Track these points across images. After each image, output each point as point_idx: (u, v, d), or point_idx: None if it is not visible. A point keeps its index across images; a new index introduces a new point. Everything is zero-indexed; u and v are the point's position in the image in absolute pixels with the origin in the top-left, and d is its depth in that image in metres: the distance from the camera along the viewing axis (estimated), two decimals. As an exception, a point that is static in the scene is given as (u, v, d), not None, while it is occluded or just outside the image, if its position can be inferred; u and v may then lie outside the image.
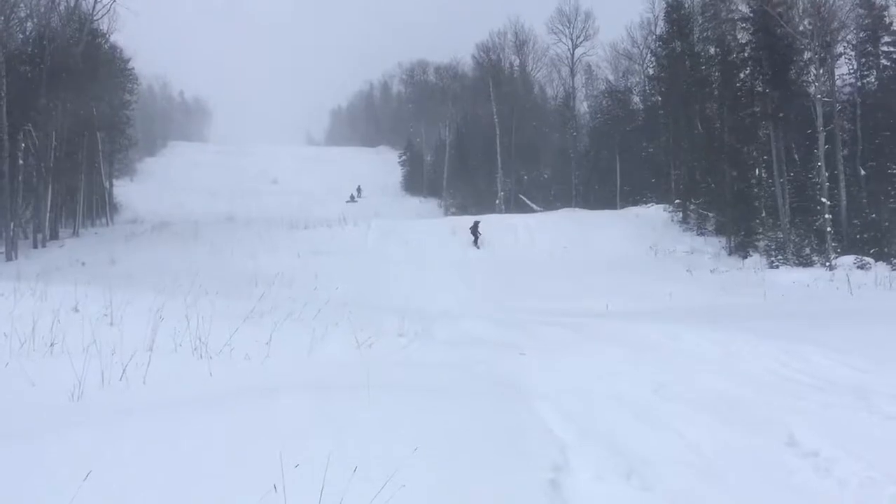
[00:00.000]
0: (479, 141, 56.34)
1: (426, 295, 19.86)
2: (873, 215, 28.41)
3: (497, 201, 48.51)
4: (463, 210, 50.02)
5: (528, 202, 49.91)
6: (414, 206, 56.60)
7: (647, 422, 6.06)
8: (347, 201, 55.23)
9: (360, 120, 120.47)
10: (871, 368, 7.98)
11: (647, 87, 46.96)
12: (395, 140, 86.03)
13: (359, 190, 59.22)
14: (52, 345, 6.99)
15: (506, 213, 43.89)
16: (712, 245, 30.77)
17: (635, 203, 40.59)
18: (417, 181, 65.87)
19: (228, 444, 4.35)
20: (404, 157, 70.63)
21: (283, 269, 21.58)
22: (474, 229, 30.74)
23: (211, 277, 19.66)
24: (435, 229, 33.44)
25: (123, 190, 50.50)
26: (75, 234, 35.72)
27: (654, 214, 35.62)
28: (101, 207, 42.71)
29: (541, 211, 43.45)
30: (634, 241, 30.62)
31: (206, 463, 3.99)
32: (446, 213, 50.91)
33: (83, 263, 25.85)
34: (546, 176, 56.03)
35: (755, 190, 32.34)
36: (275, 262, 23.68)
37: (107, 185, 44.31)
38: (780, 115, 29.38)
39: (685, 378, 7.89)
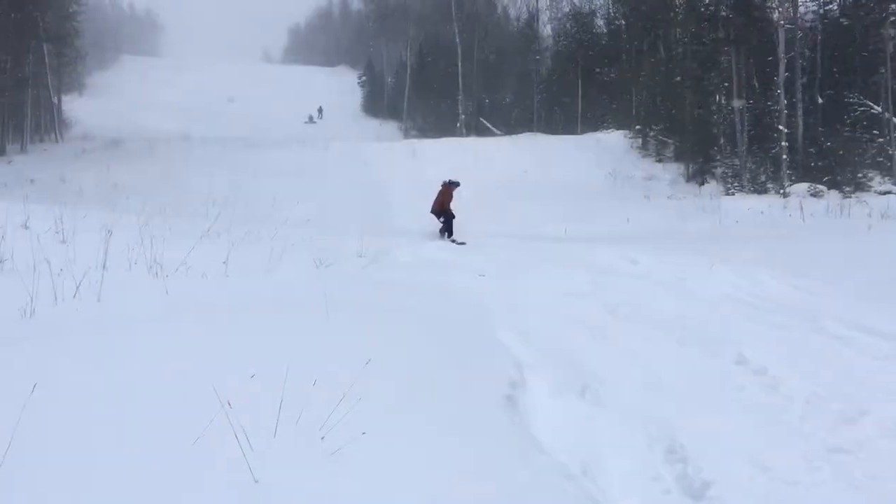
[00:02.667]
0: (440, 63, 55.30)
1: (386, 217, 19.79)
2: (828, 144, 28.75)
3: (458, 124, 48.01)
4: (423, 133, 49.47)
5: (489, 126, 49.51)
6: (374, 128, 55.76)
7: (602, 341, 6.18)
8: (306, 122, 54.18)
9: (319, 39, 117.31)
10: (819, 291, 8.21)
11: (611, 11, 46.31)
12: (355, 60, 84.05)
13: (320, 111, 58.07)
14: (0, 262, 6.82)
15: (467, 136, 43.55)
16: (670, 172, 30.97)
17: (596, 129, 40.49)
18: (377, 103, 64.68)
19: (183, 360, 4.31)
20: (364, 79, 69.14)
21: (241, 190, 21.26)
22: (445, 212, 15.28)
23: (165, 196, 19.30)
24: (395, 152, 33.09)
25: (73, 105, 48.70)
26: (23, 150, 34.52)
27: (615, 140, 35.64)
28: (49, 123, 41.28)
29: (502, 135, 43.17)
30: (594, 167, 30.68)
31: (158, 377, 3.95)
32: (406, 136, 50.29)
33: (32, 181, 25.12)
34: (508, 100, 55.44)
35: (714, 117, 32.40)
36: (231, 183, 23.28)
37: (55, 100, 42.71)
38: (743, 41, 29.28)
39: (641, 300, 8.03)
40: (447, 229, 15.09)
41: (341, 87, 74.55)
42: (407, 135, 51.38)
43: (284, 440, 3.37)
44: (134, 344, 4.55)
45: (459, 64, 46.93)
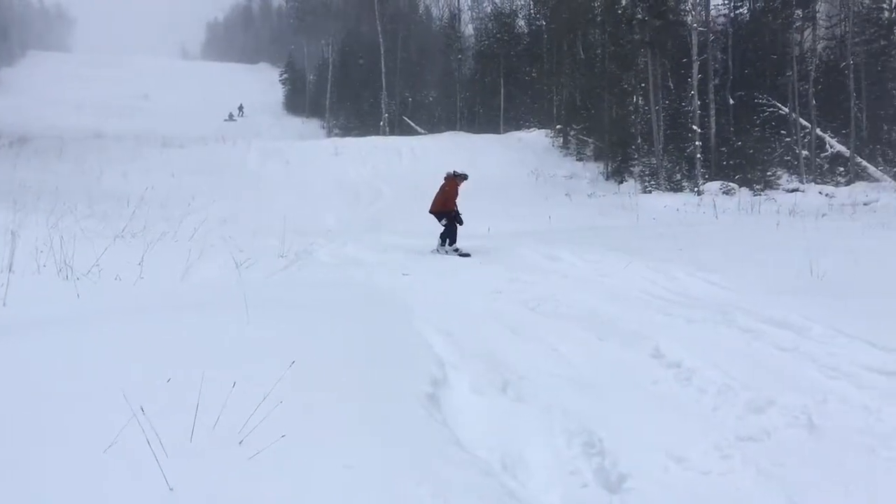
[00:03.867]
0: (363, 61, 55.02)
1: (308, 217, 19.57)
2: (739, 143, 29.81)
3: (381, 123, 47.84)
4: (347, 132, 49.11)
5: (413, 125, 49.55)
6: (296, 126, 55.08)
7: (523, 337, 6.26)
8: (226, 120, 53.10)
9: (239, 34, 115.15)
10: (730, 286, 8.50)
11: (532, 11, 46.92)
12: (276, 57, 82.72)
13: (241, 108, 56.99)
14: None
15: (390, 135, 43.45)
16: (591, 170, 31.60)
17: (518, 127, 41.01)
18: (300, 101, 63.88)
19: (94, 364, 4.17)
20: (285, 76, 68.15)
21: (157, 189, 20.69)
22: (448, 213, 12.85)
23: (77, 196, 18.63)
24: (318, 150, 32.76)
25: (-25, 103, 46.63)
26: (-77, 148, 32.83)
27: (536, 139, 36.17)
28: (-49, 120, 39.35)
29: (425, 134, 43.26)
30: (517, 166, 31.04)
31: (68, 383, 3.81)
32: (329, 135, 49.85)
33: (-69, 181, 23.89)
34: (431, 98, 55.59)
35: (632, 117, 33.22)
36: (147, 182, 22.60)
37: (-43, 96, 40.81)
38: (659, 43, 30.08)
39: (561, 296, 8.16)
40: (449, 235, 12.65)
41: (262, 84, 73.33)
42: (330, 133, 50.94)
43: (200, 445, 3.30)
44: (42, 349, 4.38)
45: (382, 62, 46.77)
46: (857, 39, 36.36)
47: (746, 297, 7.73)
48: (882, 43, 38.35)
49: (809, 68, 33.82)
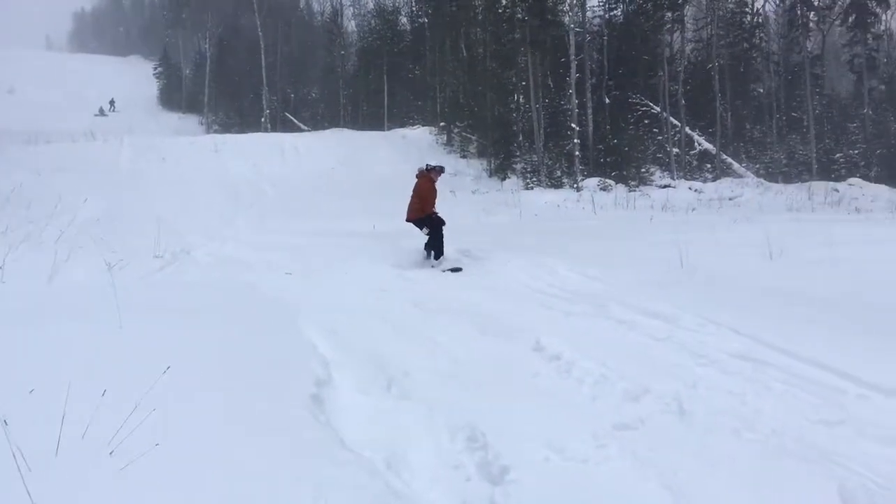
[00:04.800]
0: (242, 55, 53.62)
1: (187, 216, 18.92)
2: (615, 141, 30.92)
3: (263, 119, 46.78)
4: (226, 128, 47.76)
5: (295, 121, 48.74)
6: (172, 122, 53.05)
7: (408, 335, 6.27)
8: (96, 115, 50.55)
9: (108, 26, 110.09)
10: (608, 279, 8.78)
11: (414, 9, 47.06)
12: (150, 50, 79.52)
13: (112, 103, 54.43)
14: None
15: (272, 131, 42.58)
16: (474, 167, 31.99)
17: (402, 124, 41.06)
18: (176, 96, 61.56)
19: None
20: (160, 70, 65.56)
21: (21, 188, 19.47)
22: (429, 217, 10.86)
23: (-70, 197, 17.31)
24: (196, 147, 31.70)
25: None
26: None
27: (420, 136, 36.29)
28: None
29: (308, 130, 42.66)
30: (401, 163, 31.02)
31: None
32: (208, 131, 48.31)
33: None
34: (314, 95, 54.87)
35: (514, 115, 33.87)
36: (9, 180, 21.26)
37: None
38: (538, 43, 30.77)
39: (445, 292, 8.22)
40: (434, 246, 10.53)
41: (135, 78, 70.23)
42: (209, 129, 49.34)
43: (68, 458, 3.13)
44: None
45: (263, 57, 45.70)
46: (721, 42, 38.40)
47: (622, 290, 8.02)
48: (744, 46, 40.67)
49: (679, 69, 35.44)
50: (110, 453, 3.19)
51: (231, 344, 5.37)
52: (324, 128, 42.14)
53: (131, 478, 3.01)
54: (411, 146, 34.02)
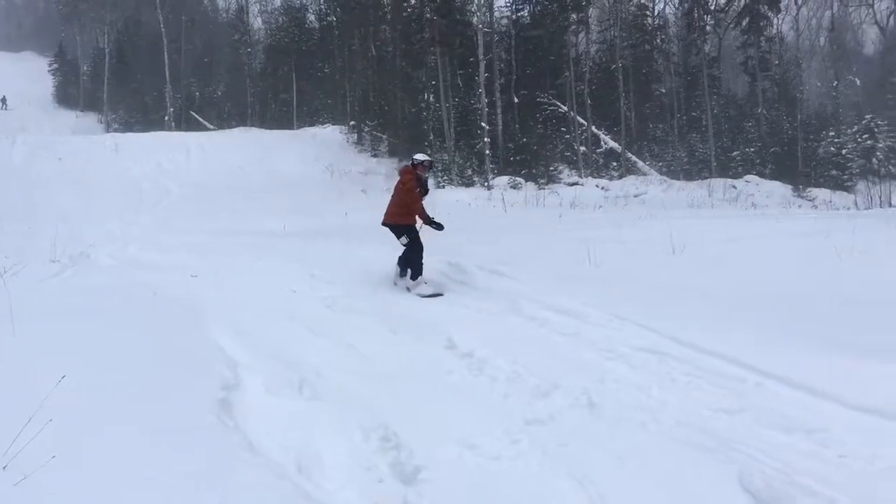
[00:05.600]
0: (144, 52, 51.85)
1: (86, 217, 18.20)
2: (524, 140, 31.40)
3: (166, 118, 45.39)
4: (128, 127, 46.10)
5: (201, 120, 47.48)
6: (70, 121, 50.84)
7: (319, 334, 6.19)
8: (-14, 113, 48.11)
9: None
10: (519, 276, 8.89)
11: (322, 6, 46.56)
12: (44, 46, 75.85)
13: (3, 100, 51.77)
14: None
15: (177, 130, 41.36)
16: (386, 166, 31.91)
17: (312, 123, 40.59)
18: (73, 94, 58.93)
19: None
20: (55, 66, 62.69)
21: None
22: (408, 227, 8.78)
23: None
24: (95, 146, 30.51)
25: None
26: None
27: (331, 135, 35.97)
28: None
29: (215, 129, 41.66)
30: (311, 162, 30.71)
31: None
32: (108, 129, 46.53)
33: None
34: (220, 93, 53.56)
35: (424, 114, 33.98)
36: None
37: None
38: (447, 42, 30.95)
39: (358, 292, 8.17)
40: (411, 261, 8.54)
41: (28, 74, 66.89)
42: (109, 128, 47.52)
43: (-46, 476, 2.95)
44: None
45: (165, 54, 44.32)
46: (624, 44, 39.47)
47: (533, 287, 8.13)
48: (646, 48, 41.92)
49: (584, 70, 36.26)
50: (3, 468, 3.03)
51: (133, 349, 5.19)
52: (231, 126, 41.20)
53: (27, 492, 2.87)
54: (321, 145, 33.69)
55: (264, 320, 6.68)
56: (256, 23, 55.14)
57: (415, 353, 5.61)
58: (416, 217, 8.76)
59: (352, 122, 36.40)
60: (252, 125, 41.67)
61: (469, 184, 28.80)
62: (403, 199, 8.63)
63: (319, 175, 29.05)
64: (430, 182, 9.20)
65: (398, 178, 8.95)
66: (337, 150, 33.50)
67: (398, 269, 8.80)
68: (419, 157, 8.86)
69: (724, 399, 4.51)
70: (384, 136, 34.56)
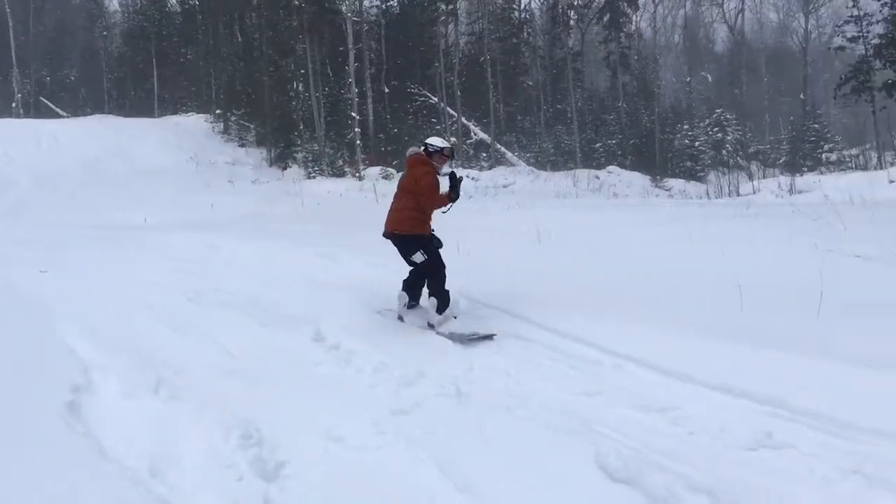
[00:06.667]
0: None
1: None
2: (395, 130, 31.41)
3: (14, 105, 42.42)
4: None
5: (52, 107, 44.65)
6: None
7: (181, 330, 5.93)
8: None
9: None
10: (389, 266, 8.88)
11: (184, -10, 44.79)
12: None
13: None
14: None
15: (26, 117, 38.72)
16: (254, 156, 31.11)
17: (175, 112, 39.00)
18: None
19: None
20: None
21: None
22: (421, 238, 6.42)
23: None
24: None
25: None
26: None
27: (195, 124, 34.66)
28: None
29: (68, 116, 39.28)
30: (174, 152, 29.49)
31: None
32: (-53, 117, 43.04)
33: None
34: (73, 78, 50.54)
35: (293, 103, 33.32)
36: None
37: None
38: (315, 30, 30.45)
39: (222, 284, 7.90)
40: (432, 287, 6.31)
41: None
42: (-53, 115, 43.93)
43: None
44: None
45: (11, 36, 41.35)
46: (493, 36, 40.13)
47: (404, 276, 8.13)
48: (514, 41, 42.80)
49: (454, 61, 36.61)
50: None
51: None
52: (86, 114, 38.95)
53: None
54: (185, 134, 32.40)
55: (121, 317, 6.34)
56: (112, 5, 52.41)
57: (282, 345, 5.48)
58: (429, 224, 6.44)
59: (217, 111, 35.21)
60: (110, 112, 39.57)
61: (340, 174, 28.52)
62: (420, 199, 6.24)
63: (183, 165, 27.95)
64: (460, 179, 6.64)
65: (407, 169, 6.53)
66: (202, 139, 32.32)
67: (404, 299, 6.37)
68: (437, 142, 6.45)
69: (585, 381, 4.67)
70: (252, 126, 33.65)
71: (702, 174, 36.25)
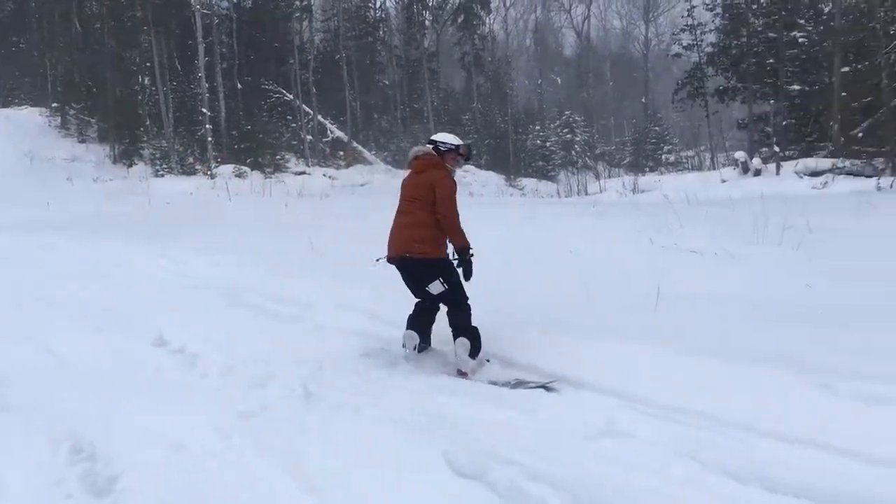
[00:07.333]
0: None
1: None
2: (249, 127, 30.59)
3: None
4: None
5: None
6: None
7: (8, 338, 5.52)
8: None
9: None
10: (241, 267, 8.64)
11: (15, -26, 41.65)
12: None
13: None
14: None
15: None
16: (95, 153, 29.42)
17: (6, 104, 36.20)
18: None
19: None
20: None
21: None
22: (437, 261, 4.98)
23: None
24: None
25: None
26: None
27: (29, 118, 32.31)
28: None
29: None
30: (6, 147, 27.39)
31: None
32: None
33: None
34: None
35: (139, 97, 31.75)
36: None
37: None
38: (162, 22, 29.16)
39: (58, 287, 7.42)
40: (460, 323, 4.98)
41: None
42: None
43: None
44: None
45: None
46: (349, 34, 39.91)
47: (257, 277, 7.93)
48: (370, 39, 42.74)
49: (309, 58, 36.11)
50: None
51: None
52: None
53: None
54: (18, 129, 30.15)
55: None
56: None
57: (121, 350, 5.18)
58: (464, 244, 4.99)
59: (54, 104, 33.00)
60: (-72, 104, 36.23)
61: (191, 172, 27.47)
62: (438, 212, 4.94)
63: (15, 161, 26.01)
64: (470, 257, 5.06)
65: (413, 174, 5.21)
66: (37, 134, 30.20)
67: (413, 340, 5.09)
68: (449, 138, 5.30)
69: (439, 379, 4.71)
70: (93, 121, 31.77)
71: (553, 174, 37.64)
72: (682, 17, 34.95)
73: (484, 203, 17.14)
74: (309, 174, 29.45)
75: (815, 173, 20.23)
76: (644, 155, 43.25)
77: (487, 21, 45.65)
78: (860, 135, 22.19)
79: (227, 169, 27.24)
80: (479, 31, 42.96)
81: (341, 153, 35.61)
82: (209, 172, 26.96)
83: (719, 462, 3.32)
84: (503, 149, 38.49)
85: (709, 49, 31.60)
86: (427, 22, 42.86)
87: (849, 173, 19.78)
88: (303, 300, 6.69)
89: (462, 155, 5.32)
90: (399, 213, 5.19)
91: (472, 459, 3.23)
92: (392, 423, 3.78)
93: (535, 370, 4.63)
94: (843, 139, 22.12)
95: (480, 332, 4.97)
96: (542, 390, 4.43)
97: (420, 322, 5.16)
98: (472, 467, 3.18)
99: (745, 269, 7.64)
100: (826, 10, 25.75)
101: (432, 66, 41.71)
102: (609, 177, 31.10)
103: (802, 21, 26.54)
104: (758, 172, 22.22)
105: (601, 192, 22.64)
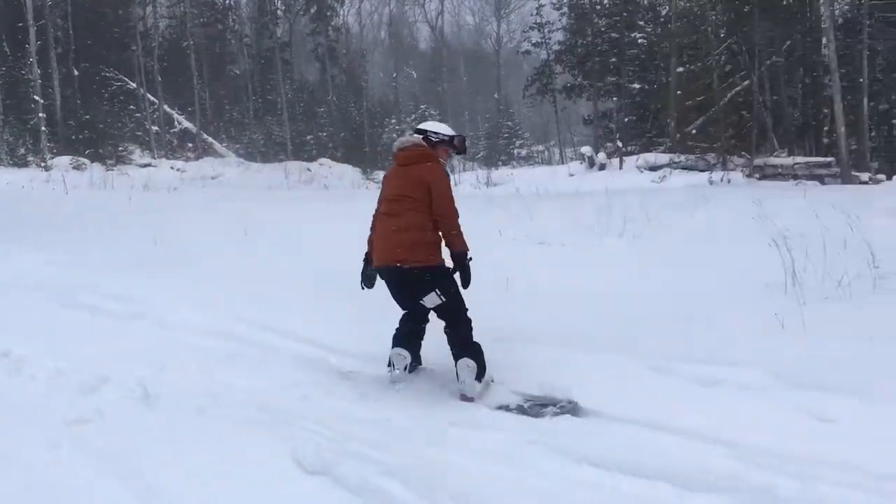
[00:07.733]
0: None
1: None
2: (88, 116, 28.89)
3: None
4: None
5: None
6: None
7: None
8: None
9: None
10: (77, 264, 8.13)
11: None
12: None
13: None
14: None
15: None
16: None
17: None
18: None
19: None
20: None
21: None
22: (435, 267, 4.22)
23: None
24: None
25: None
26: None
27: None
28: None
29: None
30: None
31: None
32: None
33: None
34: None
35: (-40, 83, 29.25)
36: None
37: None
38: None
39: None
40: (461, 345, 4.33)
41: None
42: None
43: None
44: None
45: None
46: (196, 21, 38.42)
47: (94, 275, 7.49)
48: (219, 27, 41.35)
49: (154, 45, 34.51)
50: None
51: None
52: None
53: None
54: None
55: None
56: None
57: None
58: (462, 249, 4.41)
59: None
60: None
61: (23, 164, 25.62)
62: (434, 212, 4.32)
63: None
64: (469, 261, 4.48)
65: (399, 168, 4.50)
66: None
67: (404, 360, 4.45)
68: (442, 129, 4.65)
69: (290, 375, 4.59)
70: None
71: (409, 167, 37.79)
72: (532, 15, 35.99)
73: (339, 197, 16.95)
74: (155, 166, 28.12)
75: (654, 168, 21.38)
76: (497, 149, 44.25)
77: (341, 13, 45.23)
78: (694, 131, 23.72)
79: (64, 160, 25.59)
80: (332, 23, 42.45)
81: (190, 145, 34.28)
82: (43, 164, 25.22)
83: (560, 445, 3.44)
84: (359, 142, 38.28)
85: (556, 47, 32.77)
86: (279, 11, 41.91)
87: (684, 168, 21.06)
88: (144, 298, 6.38)
89: (455, 147, 4.67)
90: (382, 214, 4.45)
91: (319, 455, 3.18)
92: (238, 423, 3.66)
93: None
94: (678, 135, 23.54)
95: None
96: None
97: (409, 340, 4.53)
98: (319, 463, 3.13)
99: (588, 259, 7.97)
100: (663, 12, 27.28)
101: (285, 56, 40.84)
102: (463, 170, 31.55)
103: (642, 23, 28.05)
104: (603, 167, 23.26)
105: (456, 185, 22.92)
